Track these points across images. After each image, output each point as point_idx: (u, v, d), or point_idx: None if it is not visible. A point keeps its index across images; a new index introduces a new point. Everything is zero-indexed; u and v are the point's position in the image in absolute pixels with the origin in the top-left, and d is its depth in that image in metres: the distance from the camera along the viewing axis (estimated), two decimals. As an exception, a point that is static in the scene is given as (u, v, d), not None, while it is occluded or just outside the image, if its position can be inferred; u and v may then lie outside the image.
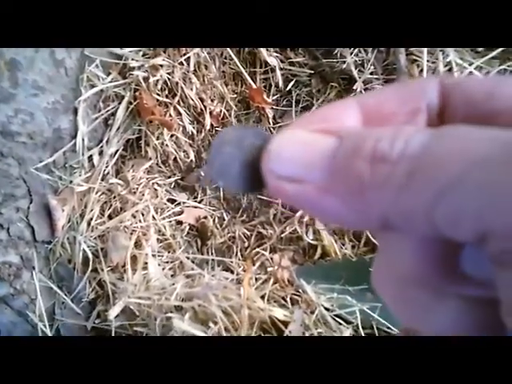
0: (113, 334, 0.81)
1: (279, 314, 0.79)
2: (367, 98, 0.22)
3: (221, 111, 1.06)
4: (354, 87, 1.00)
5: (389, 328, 0.81)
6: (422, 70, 0.95)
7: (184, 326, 0.73)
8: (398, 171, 0.17)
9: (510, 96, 0.20)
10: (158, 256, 0.93)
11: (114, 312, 0.81)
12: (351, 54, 0.99)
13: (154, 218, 0.96)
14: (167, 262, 0.93)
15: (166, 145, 1.02)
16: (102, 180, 0.97)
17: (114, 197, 0.96)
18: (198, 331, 0.73)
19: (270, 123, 1.09)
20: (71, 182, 0.95)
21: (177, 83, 1.00)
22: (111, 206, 0.95)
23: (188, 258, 0.94)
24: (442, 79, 0.22)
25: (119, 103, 1.00)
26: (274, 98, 1.10)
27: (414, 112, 0.22)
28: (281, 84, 1.08)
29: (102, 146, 1.00)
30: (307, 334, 0.77)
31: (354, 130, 0.19)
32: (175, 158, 1.05)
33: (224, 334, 0.73)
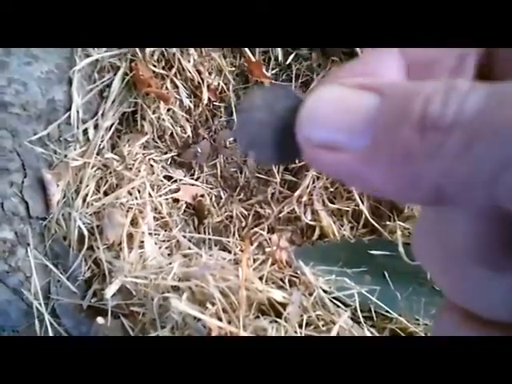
0: (109, 314, 0.80)
1: (277, 295, 0.78)
2: None
3: (218, 85, 1.03)
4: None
5: (387, 311, 0.82)
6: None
7: (181, 306, 0.72)
8: (452, 140, 0.15)
9: None
10: (155, 234, 0.92)
11: (110, 291, 0.80)
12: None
13: (150, 195, 0.94)
14: (164, 241, 0.92)
15: (163, 119, 0.99)
16: (98, 155, 0.95)
17: (110, 172, 0.94)
18: (195, 312, 0.73)
19: (268, 99, 1.06)
20: (66, 156, 0.92)
21: (174, 54, 0.97)
22: (107, 181, 0.93)
23: (185, 237, 0.93)
24: None
25: (114, 74, 0.97)
26: (274, 72, 1.07)
27: (463, 55, 0.20)
28: (280, 58, 1.05)
29: (97, 119, 0.97)
30: (305, 317, 0.76)
31: (399, 85, 0.17)
32: (172, 134, 1.02)
33: (222, 315, 0.73)
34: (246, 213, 1.00)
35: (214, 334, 0.72)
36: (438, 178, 0.15)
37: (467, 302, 0.19)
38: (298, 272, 0.84)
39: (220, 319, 0.73)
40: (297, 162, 0.98)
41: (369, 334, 0.76)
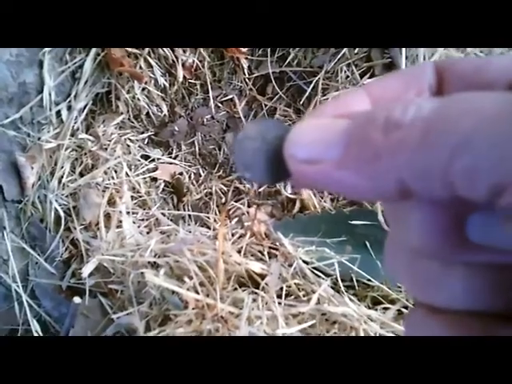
0: (87, 293, 0.80)
1: (256, 267, 0.78)
2: (373, 86, 0.24)
3: (194, 62, 1.02)
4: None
5: (369, 280, 0.81)
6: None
7: (157, 280, 0.72)
8: (411, 133, 0.17)
9: (497, 68, 0.22)
10: (133, 213, 0.91)
11: (87, 269, 0.79)
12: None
13: (127, 174, 0.93)
14: (142, 220, 0.92)
15: (138, 99, 0.99)
16: (72, 136, 0.94)
17: (85, 153, 0.94)
18: (172, 285, 0.72)
19: (245, 74, 1.05)
20: (39, 138, 0.92)
21: (147, 33, 0.96)
22: (82, 162, 0.93)
23: (164, 215, 0.92)
24: (435, 62, 0.23)
25: (86, 55, 0.96)
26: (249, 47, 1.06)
27: (418, 94, 0.23)
28: (255, 33, 1.04)
29: (70, 101, 0.96)
30: (284, 286, 0.76)
31: (366, 111, 0.20)
32: (148, 113, 1.02)
33: (199, 288, 0.72)
34: (225, 189, 1.00)
35: (191, 306, 0.71)
36: (400, 171, 0.17)
37: (429, 298, 0.21)
38: (278, 244, 0.83)
39: (197, 292, 0.72)
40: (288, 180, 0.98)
41: (349, 302, 0.76)
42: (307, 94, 1.01)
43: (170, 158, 1.03)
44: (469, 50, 0.95)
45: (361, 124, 0.19)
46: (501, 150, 0.15)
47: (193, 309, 0.71)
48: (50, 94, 0.92)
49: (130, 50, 0.96)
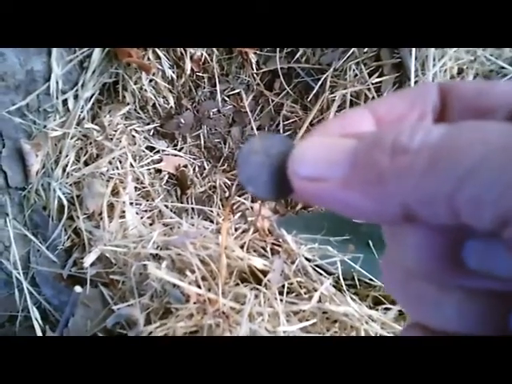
0: (88, 282, 0.79)
1: (258, 263, 0.78)
2: (378, 105, 0.24)
3: (202, 55, 1.02)
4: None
5: (371, 280, 0.81)
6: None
7: (160, 273, 0.72)
8: (418, 160, 0.17)
9: (499, 94, 0.22)
10: (136, 204, 0.91)
11: (89, 259, 0.79)
12: None
13: (131, 165, 0.93)
14: (145, 211, 0.91)
15: (145, 90, 0.98)
16: (78, 125, 0.94)
17: (90, 143, 0.93)
18: (174, 279, 0.72)
19: (253, 69, 1.05)
20: (45, 126, 0.91)
21: (156, 25, 0.96)
22: (87, 152, 0.92)
23: (167, 207, 0.92)
24: (440, 83, 0.24)
25: (95, 45, 0.96)
26: (258, 43, 1.05)
27: (422, 115, 0.23)
28: (265, 29, 1.04)
29: (77, 90, 0.96)
30: (286, 283, 0.76)
31: (373, 132, 0.20)
32: (154, 104, 1.02)
33: (201, 282, 0.72)
34: (229, 183, 0.99)
35: (192, 300, 0.71)
36: (405, 196, 0.17)
37: (424, 318, 0.21)
38: (281, 240, 0.83)
39: (199, 286, 0.72)
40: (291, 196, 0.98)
41: (351, 302, 0.76)
42: (315, 91, 1.01)
43: (175, 150, 1.03)
44: (479, 52, 0.95)
45: (367, 146, 0.19)
46: (507, 181, 0.15)
47: (194, 303, 0.70)
48: (57, 83, 0.92)
49: (138, 40, 0.95)
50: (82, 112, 0.95)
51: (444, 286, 0.20)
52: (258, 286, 0.74)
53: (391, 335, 0.72)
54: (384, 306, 0.78)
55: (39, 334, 0.78)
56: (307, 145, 0.21)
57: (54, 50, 0.92)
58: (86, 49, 0.96)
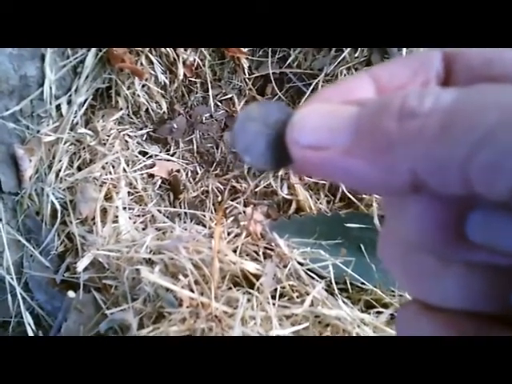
0: (81, 287, 0.80)
1: (251, 267, 0.78)
2: (379, 71, 0.23)
3: (194, 61, 1.02)
4: (333, 38, 0.97)
5: (363, 283, 0.82)
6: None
7: (153, 277, 0.72)
8: (429, 124, 0.16)
9: (508, 61, 0.21)
10: (129, 209, 0.91)
11: (82, 264, 0.79)
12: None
13: (124, 170, 0.93)
14: (138, 216, 0.92)
15: (138, 95, 0.99)
16: (71, 130, 0.94)
17: (83, 147, 0.94)
18: (167, 283, 0.72)
19: (245, 74, 1.06)
20: (38, 131, 0.92)
21: (149, 30, 0.96)
22: (80, 156, 0.93)
23: (160, 212, 0.92)
24: (444, 50, 0.23)
25: (88, 50, 0.96)
26: (250, 48, 1.06)
27: (425, 82, 0.22)
28: (257, 34, 1.05)
29: (70, 95, 0.96)
30: (278, 287, 0.76)
31: (377, 98, 0.19)
32: (147, 109, 1.02)
33: (194, 286, 0.72)
34: (222, 187, 1.00)
35: (185, 304, 0.72)
36: (414, 163, 0.16)
37: (423, 294, 0.21)
38: (273, 244, 0.83)
39: (192, 291, 0.72)
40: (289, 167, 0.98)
41: (343, 305, 0.76)
42: (306, 95, 1.02)
43: (168, 155, 1.03)
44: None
45: (373, 111, 0.18)
46: None
47: (187, 307, 0.71)
48: (50, 88, 0.92)
49: (131, 46, 0.96)
50: (75, 117, 0.95)
51: (446, 259, 0.19)
52: (251, 290, 0.75)
53: (379, 335, 0.73)
54: (376, 310, 0.79)
55: (32, 339, 0.78)
56: (307, 112, 0.21)
57: (48, 56, 0.92)
58: (79, 54, 0.96)
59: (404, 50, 0.93)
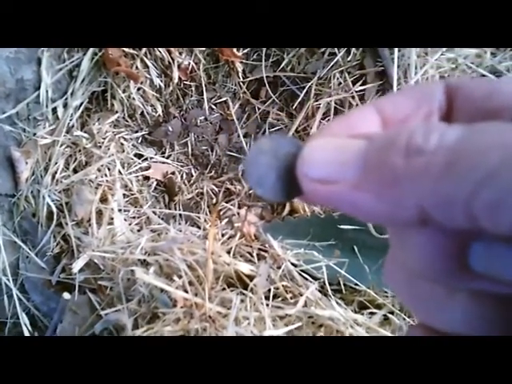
0: (77, 288, 0.80)
1: (245, 268, 0.79)
2: (383, 104, 0.23)
3: (189, 64, 1.03)
4: (326, 42, 0.98)
5: (356, 284, 0.82)
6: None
7: (147, 278, 0.73)
8: (435, 161, 0.17)
9: (508, 94, 0.21)
10: (125, 211, 0.92)
11: (77, 265, 0.80)
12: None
13: (120, 172, 0.94)
14: (134, 218, 0.92)
15: (133, 98, 1.00)
16: (67, 133, 0.95)
17: (79, 150, 0.94)
18: (161, 283, 0.73)
19: (239, 78, 1.07)
20: (35, 134, 0.92)
21: (144, 34, 0.97)
22: (76, 159, 0.94)
23: (155, 214, 0.93)
24: (446, 82, 0.23)
25: (84, 54, 0.97)
26: (244, 51, 1.07)
27: (428, 115, 0.23)
28: (251, 38, 1.06)
29: (66, 98, 0.97)
30: (272, 288, 0.77)
31: (384, 132, 0.20)
32: (142, 112, 1.03)
33: (188, 287, 0.73)
34: (216, 190, 1.01)
35: (179, 305, 0.72)
36: (421, 198, 0.17)
37: (428, 319, 0.21)
38: (267, 246, 0.84)
39: (186, 291, 0.73)
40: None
41: (336, 306, 0.77)
42: (300, 98, 1.03)
43: (163, 157, 1.04)
44: (460, 60, 0.97)
45: (380, 146, 0.19)
46: None
47: (181, 307, 0.72)
48: (46, 91, 0.93)
49: (126, 50, 0.97)
50: (71, 120, 0.96)
51: (450, 287, 0.20)
52: (245, 291, 0.76)
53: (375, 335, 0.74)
54: (369, 311, 0.79)
55: (28, 339, 0.79)
56: (316, 146, 0.21)
57: (44, 60, 0.93)
58: (75, 58, 0.97)
59: (396, 53, 0.94)
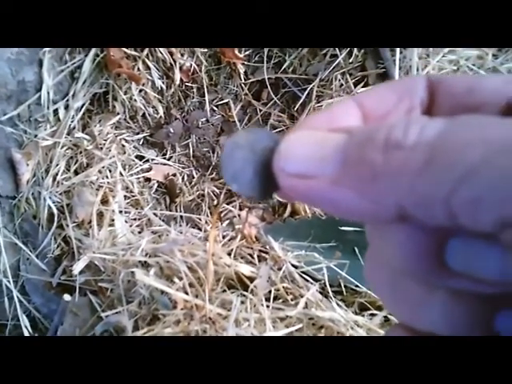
0: (77, 290, 0.80)
1: (245, 269, 0.79)
2: (365, 97, 0.23)
3: (191, 66, 1.03)
4: (327, 44, 0.98)
5: (357, 286, 0.82)
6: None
7: (147, 279, 0.73)
8: (414, 157, 0.16)
9: (489, 90, 0.21)
10: (125, 213, 0.92)
11: (78, 267, 0.80)
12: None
13: (121, 174, 0.94)
14: (135, 219, 0.92)
15: (135, 100, 1.00)
16: (68, 134, 0.95)
17: (80, 152, 0.95)
18: (162, 285, 0.73)
19: (241, 79, 1.07)
20: (36, 135, 0.93)
21: (145, 36, 0.97)
22: (77, 161, 0.94)
23: (156, 215, 0.93)
24: (428, 77, 0.23)
25: (86, 55, 0.97)
26: (246, 53, 1.07)
27: (409, 109, 0.22)
28: (253, 39, 1.06)
29: (67, 100, 0.97)
30: (273, 289, 0.77)
31: (364, 126, 0.20)
32: (144, 114, 1.03)
33: (188, 289, 0.73)
34: (217, 191, 1.01)
35: (179, 307, 0.72)
36: (399, 195, 0.17)
37: (410, 319, 0.21)
38: (268, 247, 0.84)
39: (186, 293, 0.73)
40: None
41: (337, 307, 0.77)
42: (301, 100, 1.03)
43: (164, 159, 1.04)
44: (461, 62, 0.97)
45: (359, 141, 0.18)
46: (508, 184, 0.14)
47: (181, 309, 0.71)
48: (48, 93, 0.94)
49: (128, 51, 0.97)
50: (72, 122, 0.96)
51: (429, 285, 0.19)
52: (245, 293, 0.75)
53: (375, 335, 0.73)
54: (370, 312, 0.79)
55: (28, 341, 0.79)
56: (294, 139, 0.20)
57: (46, 61, 0.94)
58: (76, 59, 0.97)
59: (397, 54, 0.94)
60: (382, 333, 0.74)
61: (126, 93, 0.99)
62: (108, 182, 0.92)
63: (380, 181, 0.17)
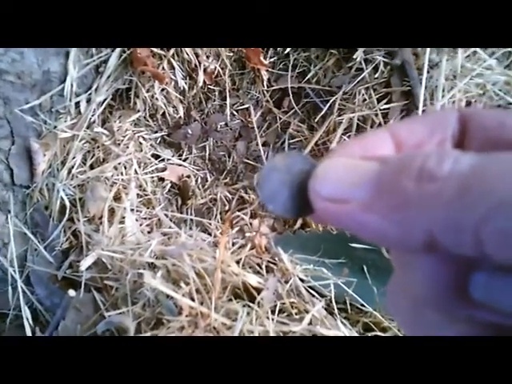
0: (82, 286, 0.80)
1: (253, 280, 0.78)
2: (398, 129, 0.24)
3: (215, 69, 1.03)
4: (354, 56, 0.97)
5: (362, 305, 0.81)
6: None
7: (155, 283, 0.72)
8: (447, 188, 0.17)
9: None
10: (137, 211, 0.92)
11: (86, 263, 0.80)
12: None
13: (136, 171, 0.94)
14: (145, 219, 0.92)
15: (156, 98, 0.99)
16: (87, 128, 0.95)
17: (98, 146, 0.94)
18: (168, 290, 0.72)
19: (264, 86, 1.06)
20: (55, 127, 0.92)
21: (173, 35, 0.97)
22: (94, 155, 0.93)
23: (167, 216, 0.93)
24: (461, 110, 0.23)
25: (112, 50, 0.97)
26: (271, 60, 1.06)
27: (442, 141, 0.23)
28: (280, 47, 1.05)
29: (90, 94, 0.97)
30: (279, 303, 0.76)
31: (398, 156, 0.20)
32: (164, 113, 1.03)
33: (195, 295, 0.72)
34: (230, 197, 1.00)
35: (184, 313, 0.71)
36: (430, 224, 0.17)
37: None
38: (276, 259, 0.83)
39: (192, 299, 0.72)
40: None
41: (341, 326, 0.76)
42: (323, 112, 1.02)
43: (180, 159, 1.03)
44: (488, 87, 0.95)
45: (393, 169, 0.19)
46: None
47: (186, 316, 0.71)
48: (71, 85, 0.93)
49: (155, 50, 0.97)
50: (92, 116, 0.96)
51: (451, 316, 0.19)
52: (251, 304, 0.75)
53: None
54: (374, 333, 0.78)
55: (29, 333, 0.79)
56: (329, 165, 0.21)
57: (72, 53, 0.94)
58: (103, 54, 0.97)
59: (424, 74, 0.93)
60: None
61: (148, 91, 0.99)
62: (122, 179, 0.92)
63: (411, 209, 0.17)
